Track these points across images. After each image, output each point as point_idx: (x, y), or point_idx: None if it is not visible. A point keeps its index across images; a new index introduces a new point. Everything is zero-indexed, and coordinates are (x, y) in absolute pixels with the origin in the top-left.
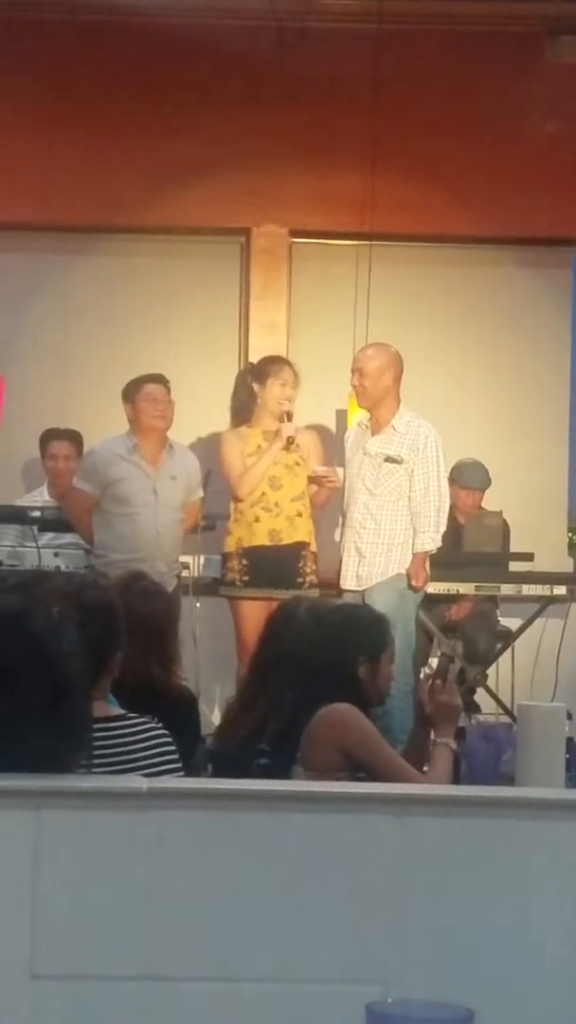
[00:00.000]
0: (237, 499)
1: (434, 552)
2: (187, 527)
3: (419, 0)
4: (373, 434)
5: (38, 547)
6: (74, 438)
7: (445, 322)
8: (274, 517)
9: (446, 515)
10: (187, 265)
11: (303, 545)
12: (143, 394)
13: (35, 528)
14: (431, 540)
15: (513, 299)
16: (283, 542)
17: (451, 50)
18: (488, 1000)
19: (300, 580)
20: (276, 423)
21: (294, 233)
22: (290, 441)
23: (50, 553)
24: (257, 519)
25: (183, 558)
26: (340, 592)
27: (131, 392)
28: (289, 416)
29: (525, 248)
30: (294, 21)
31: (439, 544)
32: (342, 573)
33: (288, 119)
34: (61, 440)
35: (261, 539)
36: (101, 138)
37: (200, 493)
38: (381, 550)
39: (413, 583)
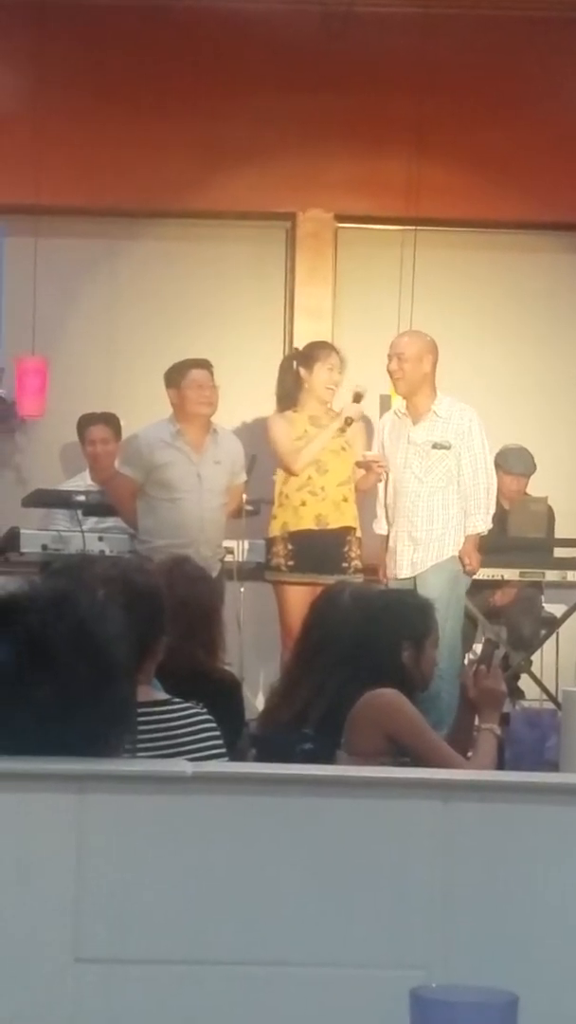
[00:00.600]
0: (292, 474)
1: (485, 533)
2: (231, 511)
3: None
4: (414, 423)
5: (83, 531)
6: (111, 421)
7: (490, 307)
8: (320, 501)
9: (495, 496)
10: (233, 250)
11: (349, 530)
12: (189, 380)
13: (80, 512)
14: (483, 522)
15: (559, 284)
16: (329, 527)
17: (496, 34)
18: (532, 985)
19: (345, 565)
20: (323, 408)
21: (339, 218)
22: (348, 422)
23: (94, 537)
24: (303, 503)
25: (227, 543)
26: (385, 579)
27: (176, 378)
28: (358, 398)
29: (571, 234)
30: (340, 5)
31: (490, 525)
32: (397, 562)
33: (334, 104)
34: (98, 424)
35: (307, 523)
36: (147, 123)
37: (243, 477)
38: (436, 536)
39: (467, 566)
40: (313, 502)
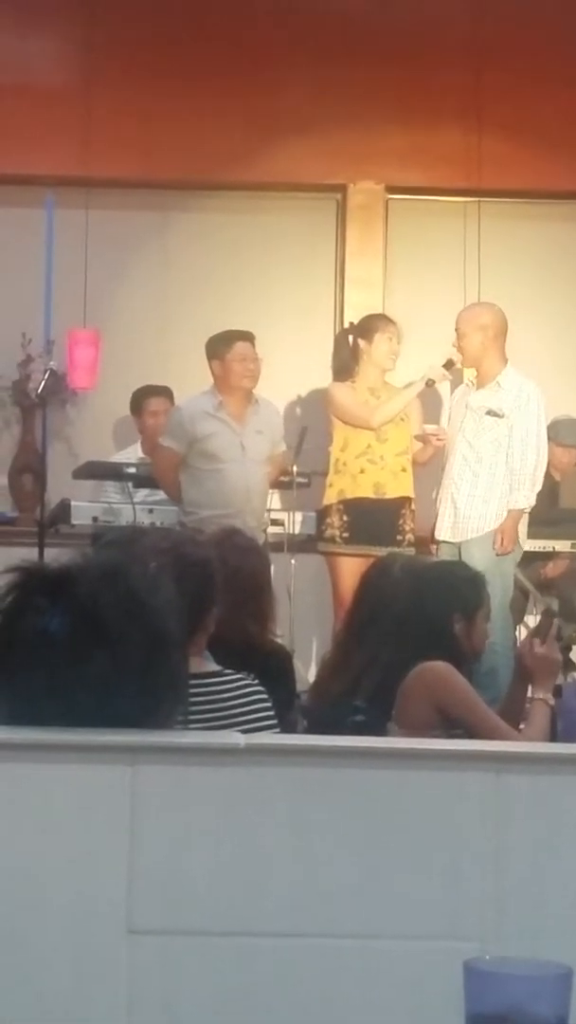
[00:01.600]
0: (370, 428)
1: (527, 511)
2: (271, 480)
3: None
4: (478, 389)
5: (133, 504)
6: (168, 394)
7: (551, 279)
8: (380, 470)
9: (542, 474)
10: (284, 221)
11: (405, 501)
12: (235, 353)
13: (130, 484)
14: (525, 498)
15: None
16: (386, 496)
17: (554, 2)
18: None
19: (400, 538)
20: (382, 378)
21: (391, 189)
22: (430, 383)
23: (145, 509)
24: (362, 471)
25: (278, 514)
26: (436, 544)
27: (220, 349)
28: (449, 364)
29: None
30: None
31: (532, 503)
32: (437, 524)
33: (387, 75)
34: (160, 396)
35: (365, 491)
36: (198, 94)
37: (283, 446)
38: (477, 503)
39: (497, 544)
40: (372, 470)
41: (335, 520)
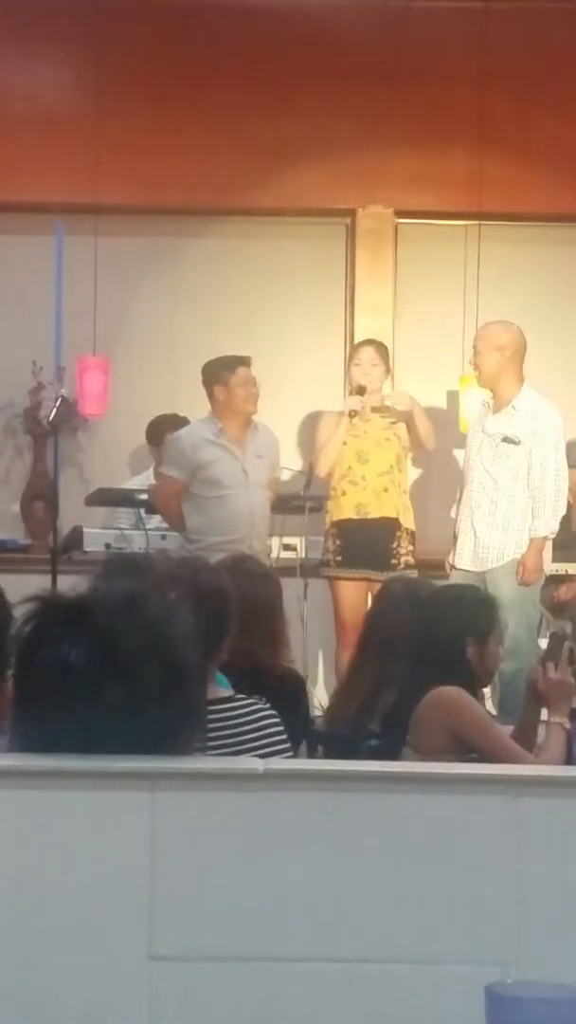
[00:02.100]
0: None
1: (550, 538)
2: (270, 504)
3: None
4: (494, 413)
5: (146, 530)
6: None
7: (556, 301)
8: (361, 491)
9: (565, 500)
10: (293, 247)
11: (394, 523)
12: (238, 377)
13: (142, 511)
14: (545, 526)
15: None
16: (369, 515)
17: (557, 26)
18: None
19: (395, 561)
20: (356, 403)
21: (400, 214)
22: (352, 415)
23: (157, 536)
24: (344, 493)
25: (289, 539)
26: (449, 571)
27: (223, 374)
28: (361, 390)
29: None
30: (400, 0)
31: (555, 530)
32: (458, 552)
33: (394, 99)
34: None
35: (348, 512)
36: (207, 121)
37: (280, 471)
38: (497, 531)
39: (521, 573)
40: (353, 491)
41: (330, 544)
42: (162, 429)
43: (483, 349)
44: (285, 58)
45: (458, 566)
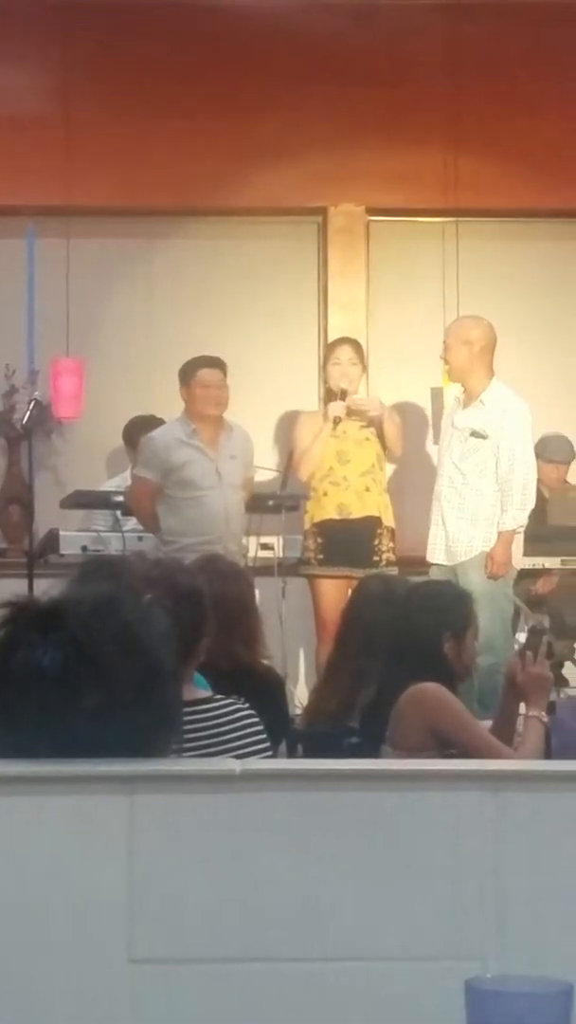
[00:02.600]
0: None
1: (518, 532)
2: (245, 504)
3: None
4: (463, 407)
5: (122, 532)
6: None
7: (530, 297)
8: (342, 491)
9: (533, 493)
10: (266, 246)
11: (376, 521)
12: (197, 380)
13: (118, 513)
14: (513, 519)
15: None
16: (352, 516)
17: (529, 23)
18: None
19: (376, 559)
20: (340, 409)
21: (371, 211)
22: (336, 421)
23: (134, 538)
24: (326, 493)
25: (266, 539)
26: (427, 567)
27: (185, 376)
28: (343, 395)
29: None
30: None
31: (523, 523)
32: (429, 546)
33: (365, 97)
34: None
35: (330, 513)
36: (177, 121)
37: (254, 471)
38: (466, 525)
39: (489, 567)
40: (335, 492)
41: (310, 543)
42: (138, 430)
43: (453, 343)
44: (255, 58)
45: (430, 560)
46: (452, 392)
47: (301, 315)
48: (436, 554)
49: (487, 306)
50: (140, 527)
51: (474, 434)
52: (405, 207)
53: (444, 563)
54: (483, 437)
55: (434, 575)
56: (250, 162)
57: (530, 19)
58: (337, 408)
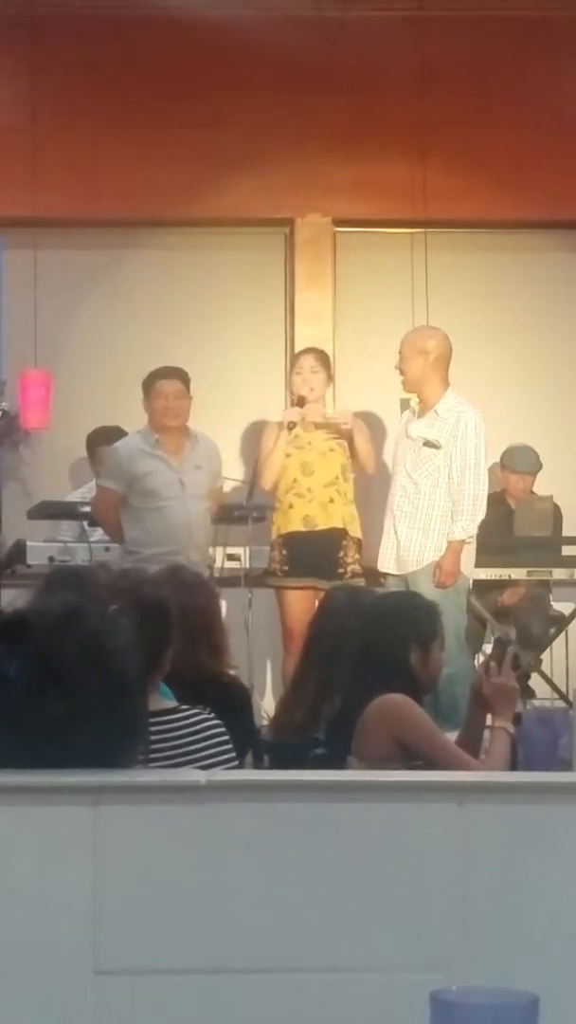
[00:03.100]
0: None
1: (468, 542)
2: (213, 514)
3: None
4: (418, 417)
5: (89, 543)
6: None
7: (497, 307)
8: (307, 503)
9: (483, 503)
10: (233, 257)
11: (341, 533)
12: (154, 391)
13: (85, 523)
14: (462, 529)
15: (566, 283)
16: (317, 527)
17: (496, 35)
18: (553, 986)
19: (341, 570)
20: (295, 414)
21: (339, 222)
22: (291, 427)
23: (101, 548)
24: (291, 505)
25: (232, 549)
26: (382, 576)
27: (146, 387)
28: (300, 401)
29: None
30: (336, 10)
31: (472, 533)
32: (380, 555)
33: (332, 109)
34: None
35: (295, 525)
36: (145, 133)
37: (222, 481)
38: (417, 535)
39: (437, 576)
40: (300, 504)
41: (276, 555)
42: (99, 441)
43: (408, 353)
44: (222, 69)
45: (380, 568)
46: (410, 403)
47: (268, 326)
48: (387, 563)
49: (455, 317)
50: (106, 538)
51: (427, 444)
52: (372, 218)
53: (394, 572)
54: (436, 447)
55: (389, 585)
56: (217, 173)
57: (497, 32)
58: (292, 414)
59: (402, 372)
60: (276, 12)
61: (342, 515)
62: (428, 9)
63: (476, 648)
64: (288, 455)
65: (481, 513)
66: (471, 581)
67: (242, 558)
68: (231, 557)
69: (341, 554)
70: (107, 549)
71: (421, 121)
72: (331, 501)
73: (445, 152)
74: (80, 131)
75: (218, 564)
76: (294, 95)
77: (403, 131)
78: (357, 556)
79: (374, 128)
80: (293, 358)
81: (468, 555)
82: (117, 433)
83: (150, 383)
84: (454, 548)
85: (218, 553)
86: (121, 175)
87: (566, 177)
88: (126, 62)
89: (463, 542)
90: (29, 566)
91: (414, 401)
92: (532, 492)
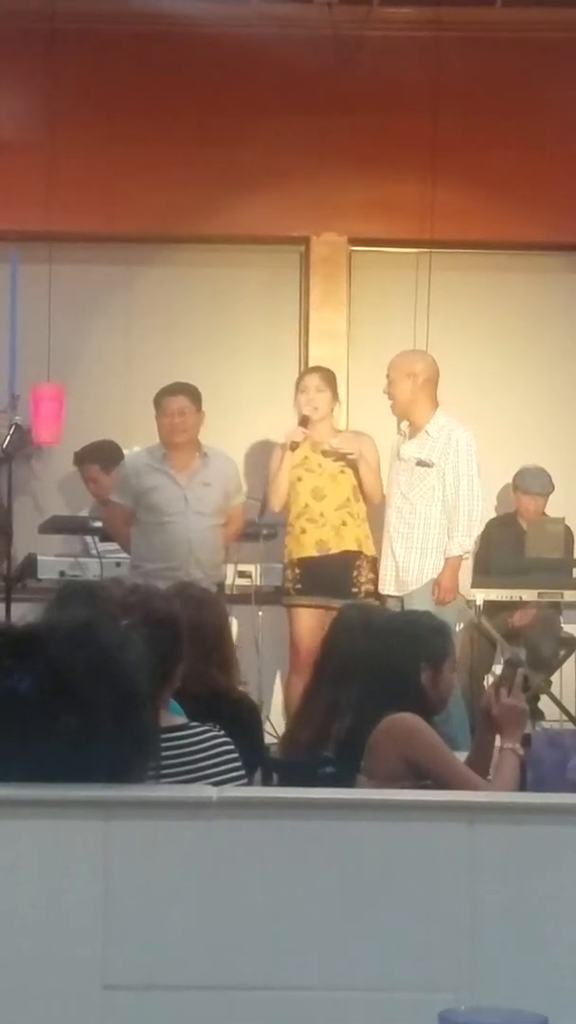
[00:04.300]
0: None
1: (465, 558)
2: (231, 532)
3: (476, 7)
4: (409, 439)
5: (100, 557)
6: (105, 460)
7: (507, 329)
8: (320, 528)
9: (479, 519)
10: (247, 275)
11: (355, 554)
12: (162, 408)
13: (96, 538)
14: (459, 545)
15: (574, 305)
16: (331, 551)
17: (508, 57)
18: (561, 1006)
19: (355, 590)
20: (298, 434)
21: (353, 241)
22: (293, 447)
23: (112, 563)
24: (303, 531)
25: (244, 566)
26: (382, 598)
27: (156, 403)
28: (304, 421)
29: None
30: (352, 30)
31: (468, 549)
32: (380, 577)
33: (347, 128)
34: (95, 464)
35: (309, 550)
36: (161, 149)
37: (241, 498)
38: (415, 555)
39: (436, 593)
40: (312, 529)
41: (289, 575)
42: (81, 463)
43: (396, 377)
44: (239, 87)
45: (381, 591)
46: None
47: (282, 344)
48: (387, 585)
49: (461, 337)
50: (118, 553)
51: (420, 463)
52: (384, 237)
53: (395, 593)
54: (429, 465)
55: (389, 607)
56: (233, 191)
57: (509, 52)
58: (295, 434)
59: (391, 396)
60: (292, 31)
61: (356, 536)
62: (443, 30)
63: (486, 669)
64: (299, 479)
65: (477, 528)
66: (479, 601)
67: (253, 575)
68: (242, 574)
69: (355, 574)
70: (118, 564)
71: (434, 141)
72: (344, 524)
73: (456, 172)
74: (96, 147)
75: (229, 581)
76: (310, 113)
77: (418, 151)
78: (372, 575)
79: (388, 147)
80: (299, 377)
81: (464, 572)
82: (108, 448)
83: (159, 399)
84: (452, 564)
85: (229, 570)
86: (136, 191)
87: (575, 199)
88: (142, 79)
89: (461, 558)
90: (40, 580)
91: (404, 424)
92: (544, 514)
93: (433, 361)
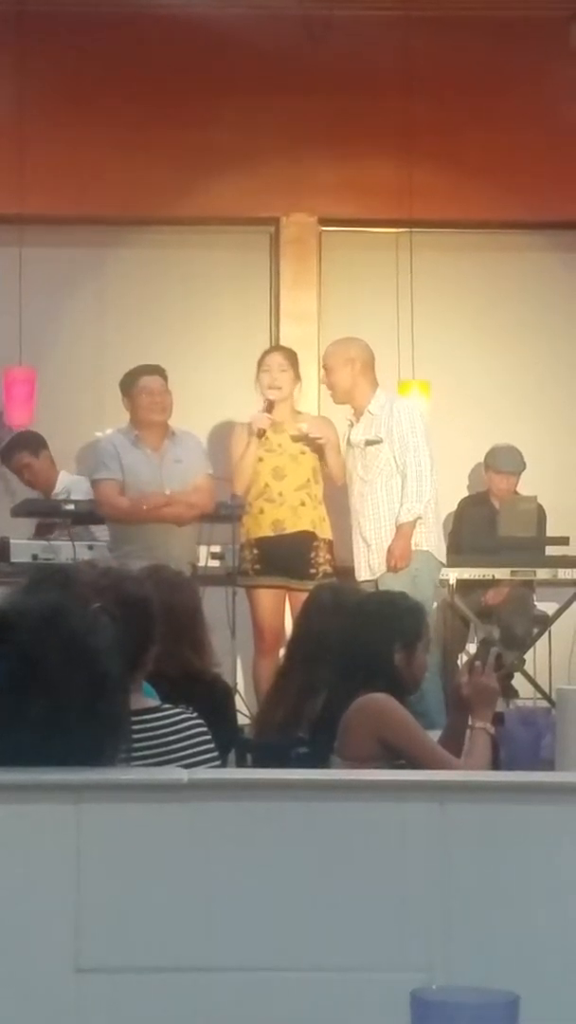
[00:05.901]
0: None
1: (416, 521)
2: (203, 506)
3: None
4: (355, 424)
5: (72, 541)
6: (35, 447)
7: (482, 307)
8: (277, 507)
9: (428, 482)
10: (218, 256)
11: (311, 536)
12: (139, 388)
13: (68, 521)
14: (408, 511)
15: (550, 284)
16: (287, 531)
17: (480, 35)
18: (533, 984)
19: (313, 571)
20: (265, 421)
21: (324, 221)
22: (260, 433)
23: (84, 546)
24: (262, 510)
25: (216, 547)
26: (358, 583)
27: (128, 385)
28: (269, 407)
29: (561, 232)
30: (322, 9)
31: (419, 514)
32: (356, 564)
33: (318, 108)
34: (25, 450)
35: (265, 530)
36: (130, 130)
37: (209, 469)
38: (384, 535)
39: (389, 560)
40: (270, 508)
41: (247, 555)
42: (10, 452)
43: (335, 365)
44: (208, 68)
45: (359, 578)
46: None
47: (253, 325)
48: (362, 571)
49: (441, 317)
50: (89, 536)
51: (369, 443)
52: (358, 217)
53: (369, 578)
54: (378, 441)
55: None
56: (202, 172)
57: (482, 32)
58: (261, 420)
59: (331, 386)
60: (261, 10)
61: (312, 518)
62: (413, 9)
63: (459, 648)
64: (260, 459)
65: (427, 492)
66: (452, 580)
67: (226, 556)
68: (215, 556)
69: (312, 555)
70: (91, 547)
71: (407, 121)
72: (302, 504)
73: (431, 152)
74: (67, 129)
75: (202, 563)
76: (280, 94)
77: (389, 130)
78: (328, 557)
79: (360, 127)
80: (261, 356)
81: (437, 537)
82: (28, 435)
83: (133, 380)
84: (404, 531)
85: (202, 551)
86: (107, 173)
87: (552, 177)
88: (113, 61)
89: (412, 524)
90: (12, 564)
91: (350, 412)
92: (516, 492)
93: (367, 345)
